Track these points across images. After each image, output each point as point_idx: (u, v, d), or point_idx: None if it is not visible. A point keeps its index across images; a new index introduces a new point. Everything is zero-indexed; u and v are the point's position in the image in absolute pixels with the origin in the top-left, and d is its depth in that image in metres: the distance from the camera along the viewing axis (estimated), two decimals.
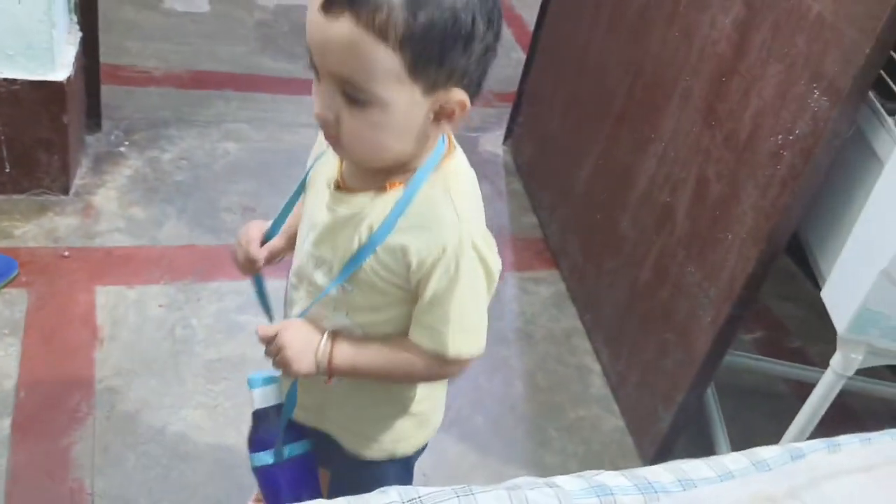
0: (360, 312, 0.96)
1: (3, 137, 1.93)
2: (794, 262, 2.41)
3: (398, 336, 0.96)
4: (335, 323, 0.97)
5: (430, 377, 1.02)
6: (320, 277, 0.96)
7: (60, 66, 1.91)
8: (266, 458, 1.06)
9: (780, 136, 1.43)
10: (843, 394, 1.47)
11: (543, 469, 1.72)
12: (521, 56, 3.37)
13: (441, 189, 0.88)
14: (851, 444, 0.94)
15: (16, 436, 1.52)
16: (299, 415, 1.07)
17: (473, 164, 2.80)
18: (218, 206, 2.17)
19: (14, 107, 1.89)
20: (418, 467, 1.70)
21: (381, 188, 0.90)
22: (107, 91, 2.30)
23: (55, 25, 1.85)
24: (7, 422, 1.54)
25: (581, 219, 2.16)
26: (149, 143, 2.31)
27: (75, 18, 2.06)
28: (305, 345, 0.95)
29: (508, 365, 1.96)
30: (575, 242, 2.18)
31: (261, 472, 1.07)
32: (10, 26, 1.79)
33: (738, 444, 1.74)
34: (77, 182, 2.10)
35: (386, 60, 0.76)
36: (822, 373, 1.45)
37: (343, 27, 0.75)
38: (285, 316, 1.07)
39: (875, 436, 0.96)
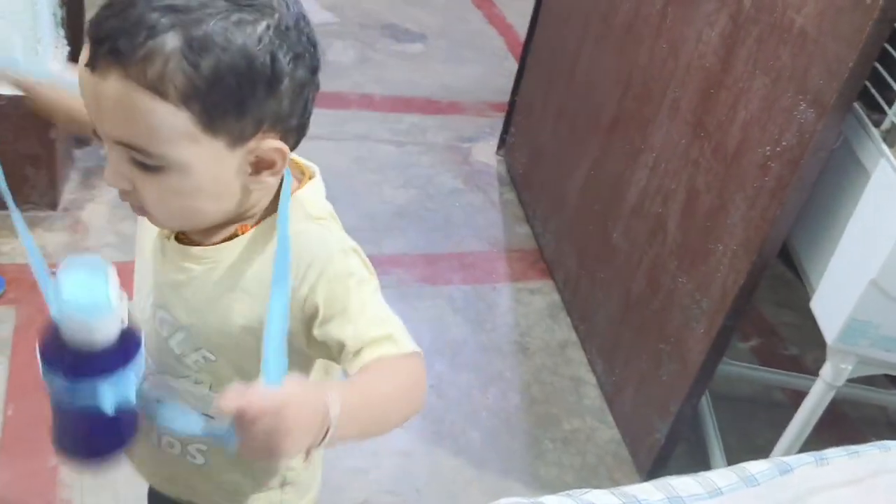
0: (224, 382, 0.81)
1: None
2: (788, 268, 2.41)
3: (370, 366, 0.75)
4: (198, 398, 0.84)
5: (422, 378, 0.81)
6: (175, 346, 0.83)
7: None
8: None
9: (767, 148, 1.43)
10: (838, 401, 1.46)
11: (539, 482, 1.71)
12: (514, 65, 3.36)
13: (303, 218, 0.78)
14: (839, 458, 0.93)
15: (3, 456, 1.51)
16: (161, 485, 0.97)
17: (466, 174, 2.79)
18: None
19: (0, 122, 1.88)
20: (411, 484, 1.70)
21: (230, 235, 0.78)
22: None
23: (40, 41, 1.84)
24: None
25: (574, 229, 2.16)
26: None
27: (62, 32, 2.06)
28: (311, 419, 0.63)
29: (503, 377, 1.95)
30: (569, 253, 2.18)
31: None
32: None
33: (735, 453, 1.74)
34: (66, 197, 2.09)
35: (169, 119, 0.65)
36: None
37: (112, 85, 0.64)
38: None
39: (863, 448, 0.96)
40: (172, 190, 0.70)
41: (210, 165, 0.69)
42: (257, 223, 0.78)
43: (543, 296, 2.24)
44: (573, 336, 2.11)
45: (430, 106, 3.01)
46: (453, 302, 2.15)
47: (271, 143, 0.70)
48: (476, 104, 3.10)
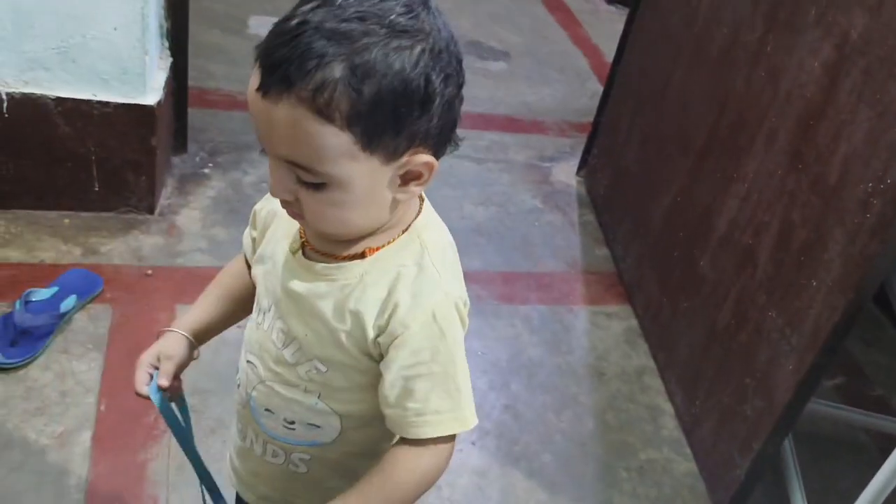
0: (336, 395, 0.87)
1: (93, 157, 2.00)
2: (877, 306, 2.33)
3: (385, 464, 0.84)
4: (307, 408, 0.88)
5: (438, 468, 0.86)
6: (289, 356, 0.87)
7: (151, 91, 1.98)
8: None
9: (869, 184, 1.39)
10: None
11: None
12: (597, 86, 3.37)
13: (418, 247, 0.82)
14: None
15: (96, 449, 1.57)
16: (260, 498, 1.00)
17: (546, 194, 2.79)
18: None
19: (106, 128, 1.96)
20: (485, 501, 1.69)
21: (357, 254, 0.83)
22: (193, 114, 2.37)
23: (148, 51, 1.91)
24: (88, 434, 1.59)
25: (657, 255, 2.13)
26: (232, 166, 2.38)
27: (167, 44, 2.14)
28: None
29: (578, 402, 1.94)
30: (650, 279, 2.15)
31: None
32: (106, 52, 1.87)
33: (815, 495, 1.69)
34: (162, 202, 2.17)
35: (335, 140, 0.70)
36: None
37: (284, 111, 0.69)
38: (239, 400, 0.97)
39: None
40: (331, 202, 0.75)
41: (366, 180, 0.74)
42: (381, 247, 0.82)
43: (621, 320, 2.22)
44: (651, 363, 2.09)
45: (511, 124, 3.02)
46: (530, 322, 2.15)
47: (422, 158, 0.75)
48: (558, 124, 3.09)
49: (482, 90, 3.16)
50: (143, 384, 0.96)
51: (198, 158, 2.36)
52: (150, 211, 2.11)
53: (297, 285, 0.85)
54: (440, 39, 0.72)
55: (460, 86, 0.76)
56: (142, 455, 1.57)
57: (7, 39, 1.80)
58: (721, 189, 1.82)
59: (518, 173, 2.75)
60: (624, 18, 2.56)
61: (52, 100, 1.89)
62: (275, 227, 0.92)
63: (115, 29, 1.84)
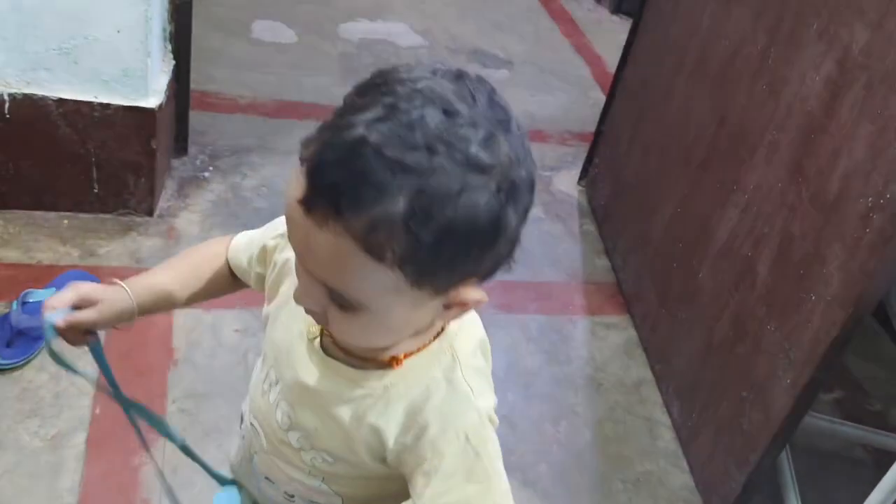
0: (342, 481, 0.83)
1: (93, 159, 2.00)
2: (875, 321, 2.33)
3: None
4: (309, 487, 0.85)
5: None
6: (294, 440, 0.82)
7: (153, 93, 1.98)
8: None
9: (870, 199, 1.39)
10: None
11: None
12: (600, 96, 3.36)
13: (449, 359, 0.75)
14: None
15: (90, 452, 1.56)
16: None
17: (546, 203, 2.79)
18: None
19: (106, 130, 1.96)
20: None
21: (384, 363, 0.76)
22: (194, 117, 2.37)
23: (150, 54, 1.91)
24: (82, 437, 1.58)
25: (657, 266, 2.13)
26: (232, 169, 2.37)
27: (169, 47, 2.14)
28: None
29: (575, 412, 1.93)
30: (649, 289, 2.15)
31: None
32: (109, 53, 1.87)
33: None
34: (161, 205, 2.16)
35: (381, 277, 0.62)
36: None
37: (328, 237, 0.60)
38: (242, 452, 0.93)
39: None
40: (364, 325, 0.68)
41: (407, 309, 0.67)
42: (411, 353, 0.76)
43: (620, 331, 2.22)
44: (649, 375, 2.08)
45: None
46: (528, 331, 2.15)
47: (473, 294, 0.68)
48: (559, 133, 3.09)
49: None
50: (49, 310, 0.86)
51: (198, 161, 2.36)
52: (150, 213, 2.11)
53: (311, 377, 0.78)
54: (521, 170, 0.62)
55: (526, 213, 0.66)
56: (136, 459, 1.57)
57: (10, 39, 1.80)
58: (721, 200, 1.82)
59: None
60: (628, 29, 2.56)
61: (54, 101, 1.89)
62: (288, 286, 0.82)
63: (118, 31, 1.84)
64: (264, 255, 0.89)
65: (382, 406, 0.75)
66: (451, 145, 0.58)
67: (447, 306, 0.69)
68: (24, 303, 1.74)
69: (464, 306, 0.69)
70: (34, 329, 1.71)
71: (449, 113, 0.59)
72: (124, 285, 0.90)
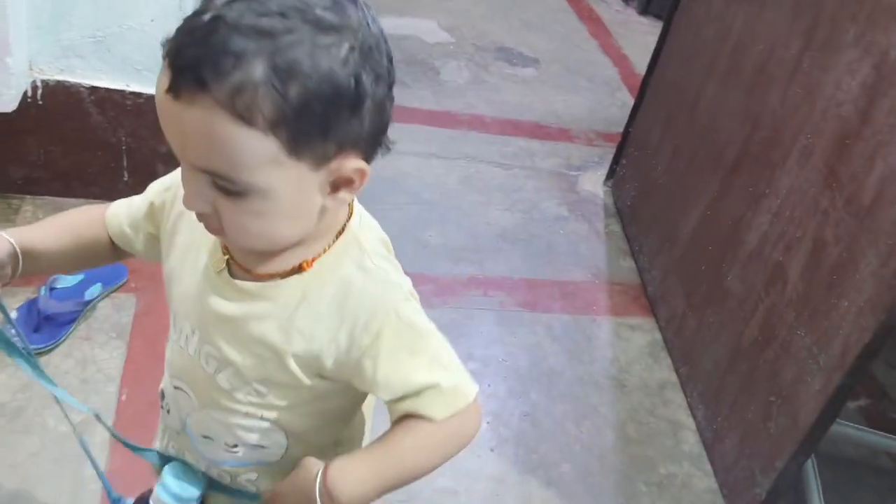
0: (280, 413, 0.82)
1: (124, 147, 2.01)
2: None
3: (400, 426, 0.79)
4: (248, 429, 0.84)
5: (463, 429, 0.82)
6: (225, 381, 0.81)
7: None
8: None
9: None
10: None
11: None
12: (626, 96, 3.35)
13: (356, 250, 0.78)
14: None
15: (114, 439, 1.57)
16: None
17: (572, 202, 2.78)
18: None
19: (138, 119, 1.97)
20: None
21: (293, 269, 0.77)
22: None
23: None
24: (108, 424, 1.59)
25: (684, 268, 2.11)
26: None
27: None
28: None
29: (598, 412, 1.92)
30: (675, 292, 2.13)
31: None
32: (142, 43, 1.88)
33: None
34: None
35: (257, 146, 0.63)
36: None
37: (198, 114, 0.62)
38: (171, 425, 0.91)
39: None
40: (254, 212, 0.68)
41: (293, 187, 0.68)
42: (318, 256, 0.77)
43: (644, 333, 2.20)
44: (673, 377, 2.06)
45: (539, 131, 3.01)
46: (552, 330, 2.14)
47: (353, 164, 0.69)
48: (585, 133, 3.08)
49: (511, 96, 3.16)
50: None
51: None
52: None
53: (228, 307, 0.78)
54: (369, 36, 0.66)
55: (391, 85, 0.70)
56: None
57: (44, 27, 1.81)
58: (752, 204, 1.81)
59: (544, 180, 2.74)
60: (656, 30, 2.54)
61: (86, 88, 1.90)
62: (185, 235, 0.83)
63: (151, 20, 1.85)
64: (152, 212, 0.90)
65: (305, 309, 0.76)
66: (299, 10, 0.63)
67: (333, 186, 0.71)
68: (51, 289, 1.76)
69: (349, 184, 0.71)
70: (62, 315, 1.73)
71: None
72: (8, 238, 0.85)
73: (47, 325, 1.71)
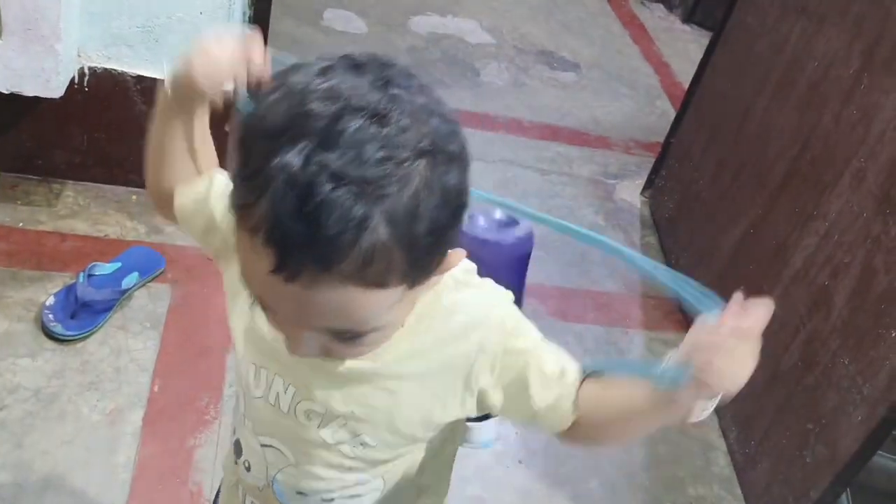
0: (381, 465, 0.79)
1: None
2: None
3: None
4: (348, 483, 0.80)
5: None
6: (329, 436, 0.76)
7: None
8: None
9: None
10: None
11: None
12: (667, 105, 3.31)
13: (454, 285, 0.74)
14: None
15: (146, 430, 1.57)
16: None
17: (608, 211, 2.75)
18: None
19: None
20: None
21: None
22: None
23: None
24: (139, 414, 1.59)
25: (723, 286, 2.05)
26: None
27: (248, 30, 2.14)
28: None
29: None
30: None
31: None
32: (190, 34, 1.87)
33: None
34: None
35: (389, 298, 0.60)
36: None
37: (325, 294, 0.56)
38: (252, 482, 0.84)
39: None
40: (372, 340, 0.66)
41: (408, 308, 0.67)
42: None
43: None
44: None
45: (577, 137, 2.98)
46: (583, 341, 2.11)
47: (453, 258, 0.66)
48: (624, 141, 3.04)
49: (551, 100, 3.13)
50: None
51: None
52: None
53: (331, 365, 0.71)
54: (454, 141, 0.60)
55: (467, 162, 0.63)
56: (190, 441, 1.57)
57: (96, 14, 1.81)
58: (799, 225, 1.77)
59: (581, 188, 2.71)
60: (699, 38, 2.52)
61: (133, 77, 1.90)
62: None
63: (200, 13, 1.85)
64: (215, 226, 0.81)
65: (407, 353, 0.72)
66: (398, 145, 0.55)
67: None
68: (89, 275, 1.76)
69: (447, 268, 0.67)
70: (98, 302, 1.73)
71: (374, 115, 0.55)
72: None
73: (84, 312, 1.71)
